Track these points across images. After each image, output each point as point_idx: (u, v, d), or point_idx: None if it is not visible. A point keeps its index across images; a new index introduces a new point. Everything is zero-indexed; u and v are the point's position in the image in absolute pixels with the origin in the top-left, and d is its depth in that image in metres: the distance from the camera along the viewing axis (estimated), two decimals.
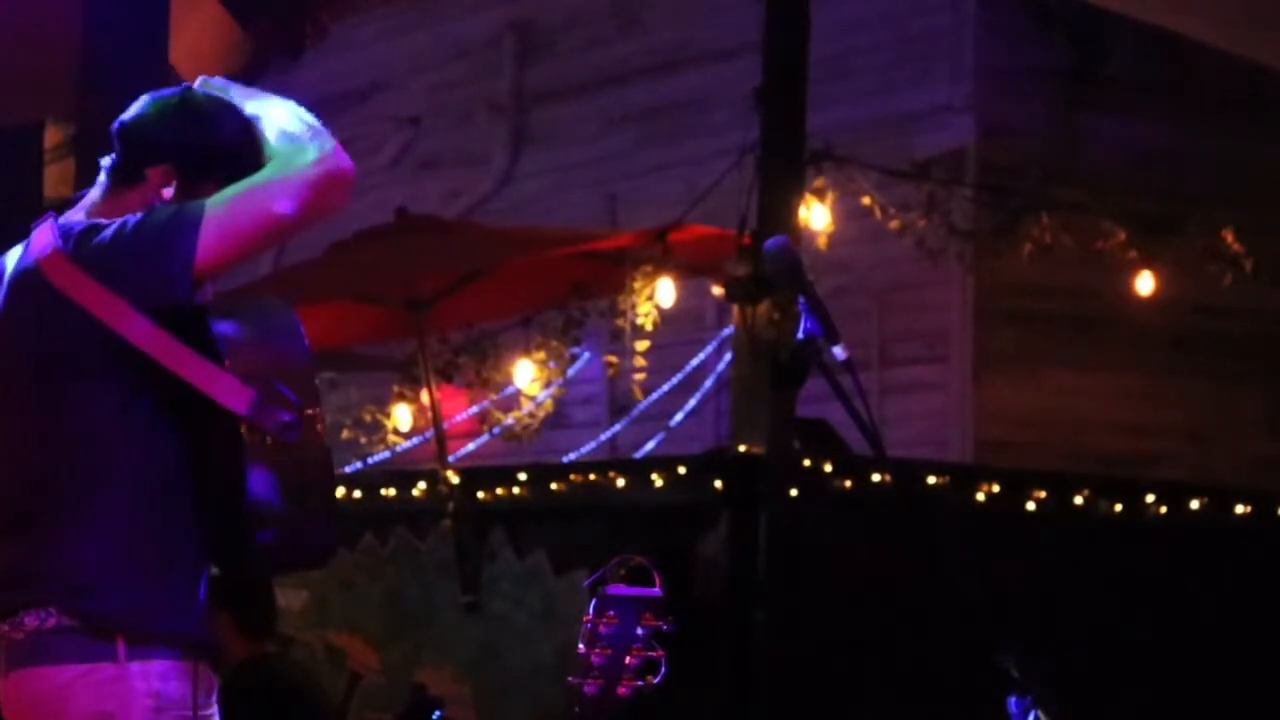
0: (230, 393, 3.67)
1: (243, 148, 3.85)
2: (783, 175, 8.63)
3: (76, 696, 3.67)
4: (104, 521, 3.71)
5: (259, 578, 3.90)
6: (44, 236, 3.81)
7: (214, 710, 3.78)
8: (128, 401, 3.72)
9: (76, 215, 3.89)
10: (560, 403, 11.07)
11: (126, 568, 3.70)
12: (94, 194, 3.93)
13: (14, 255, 3.91)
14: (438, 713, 7.36)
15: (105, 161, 3.92)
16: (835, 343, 3.80)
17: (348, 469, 10.45)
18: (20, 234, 3.92)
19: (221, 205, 3.70)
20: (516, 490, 8.73)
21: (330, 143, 3.76)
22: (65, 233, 3.79)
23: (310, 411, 3.74)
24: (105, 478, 3.72)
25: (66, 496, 3.73)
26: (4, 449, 3.81)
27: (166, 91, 3.95)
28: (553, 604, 8.43)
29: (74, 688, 3.67)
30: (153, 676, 3.68)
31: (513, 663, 8.56)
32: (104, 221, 3.78)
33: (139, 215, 3.75)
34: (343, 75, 13.79)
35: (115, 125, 3.93)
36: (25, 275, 3.81)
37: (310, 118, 3.82)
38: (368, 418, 10.66)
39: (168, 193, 3.85)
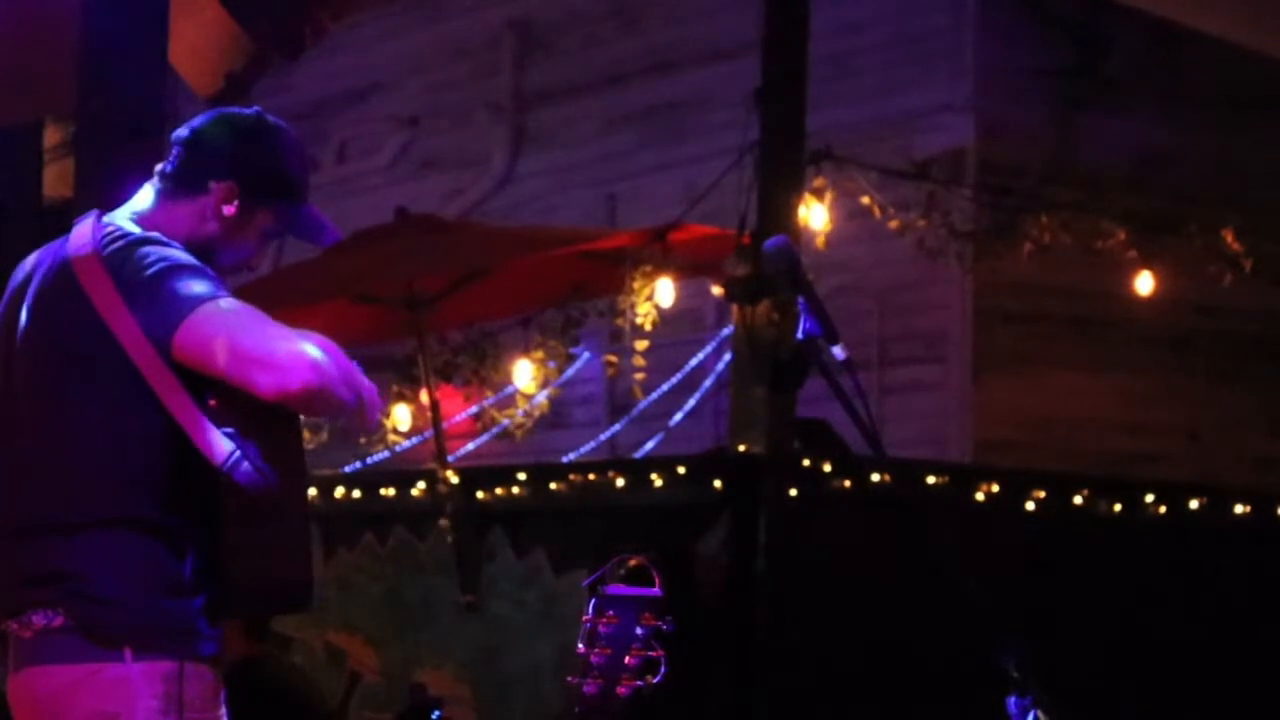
0: (206, 441, 3.67)
1: (303, 181, 3.96)
2: (783, 175, 8.62)
3: (82, 695, 3.69)
4: (116, 526, 3.72)
5: (232, 616, 3.88)
6: (83, 234, 3.82)
7: (222, 712, 3.79)
8: (143, 410, 3.72)
9: (122, 216, 3.88)
10: (560, 402, 11.06)
11: (136, 571, 3.71)
12: (143, 199, 3.93)
13: (42, 253, 3.91)
14: (437, 713, 7.36)
15: (160, 167, 3.92)
16: (835, 343, 3.79)
17: (347, 469, 10.44)
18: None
19: (214, 318, 3.65)
20: (516, 490, 8.73)
21: (335, 388, 3.66)
22: (106, 237, 3.79)
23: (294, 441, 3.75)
24: (119, 483, 3.73)
25: (79, 499, 3.74)
26: (22, 447, 3.82)
27: (240, 110, 3.99)
28: (553, 604, 8.42)
29: (80, 687, 3.69)
30: (158, 678, 3.68)
31: (513, 663, 8.55)
32: (154, 235, 3.79)
33: (162, 260, 3.72)
34: (343, 75, 13.79)
35: (180, 133, 3.94)
36: (58, 270, 3.82)
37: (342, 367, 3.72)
38: None
39: (229, 210, 3.87)
